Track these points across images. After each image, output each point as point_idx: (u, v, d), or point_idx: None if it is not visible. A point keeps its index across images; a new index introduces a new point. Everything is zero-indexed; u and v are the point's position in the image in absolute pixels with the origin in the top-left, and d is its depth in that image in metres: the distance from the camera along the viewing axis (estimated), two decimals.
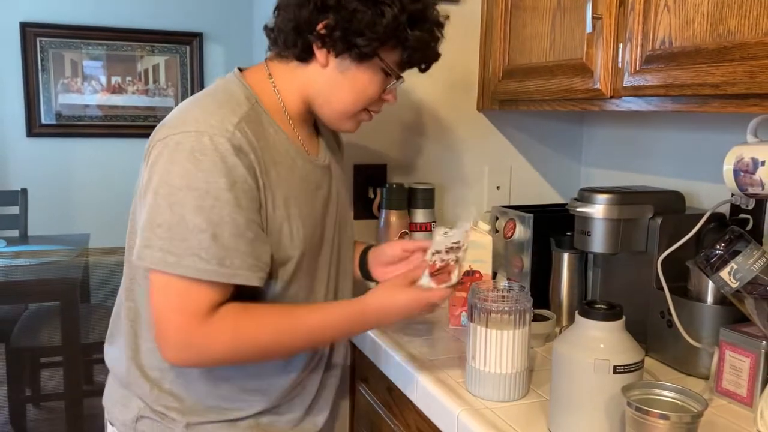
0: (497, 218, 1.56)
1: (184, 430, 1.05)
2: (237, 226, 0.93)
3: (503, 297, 1.08)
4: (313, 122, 1.16)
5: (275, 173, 1.01)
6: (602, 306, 0.95)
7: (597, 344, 0.92)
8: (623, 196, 1.26)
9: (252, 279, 0.95)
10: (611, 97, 1.19)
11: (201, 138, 0.92)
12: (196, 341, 0.94)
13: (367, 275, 1.27)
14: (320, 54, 1.02)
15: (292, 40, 1.03)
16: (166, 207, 0.91)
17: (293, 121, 1.08)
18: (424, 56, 1.07)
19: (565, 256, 1.44)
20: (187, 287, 0.92)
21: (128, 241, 1.05)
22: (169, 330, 0.93)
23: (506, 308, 1.06)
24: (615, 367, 0.90)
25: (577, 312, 0.96)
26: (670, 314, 1.16)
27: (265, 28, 1.09)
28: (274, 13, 1.06)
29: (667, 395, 0.87)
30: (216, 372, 1.05)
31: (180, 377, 1.04)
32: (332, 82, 1.05)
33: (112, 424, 1.12)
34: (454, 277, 1.03)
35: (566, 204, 1.32)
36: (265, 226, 0.99)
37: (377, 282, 1.24)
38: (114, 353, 1.12)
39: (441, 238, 1.07)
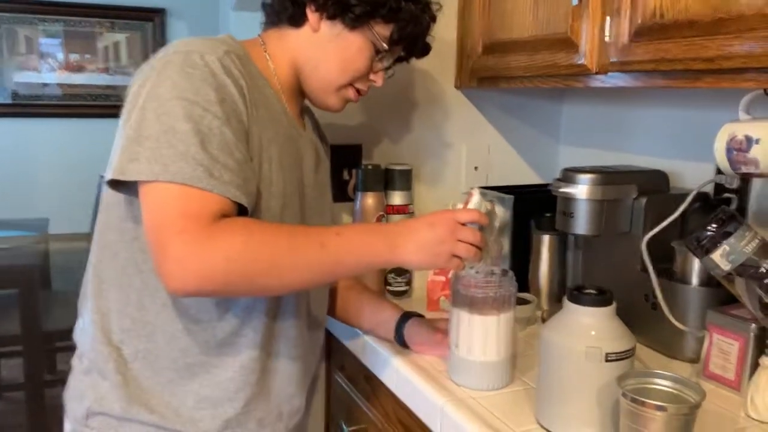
0: None
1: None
2: (226, 141, 0.89)
3: (487, 282, 1.04)
4: (301, 105, 1.14)
5: (263, 111, 0.98)
6: (592, 291, 0.91)
7: (588, 331, 0.89)
8: (607, 176, 1.23)
9: (242, 198, 0.89)
10: (597, 73, 1.14)
11: (191, 55, 0.91)
12: (202, 244, 0.83)
13: (404, 344, 1.20)
14: (313, 18, 1.03)
15: (286, 4, 1.04)
16: (154, 119, 0.87)
17: (283, 91, 1.07)
18: (414, 34, 1.08)
19: (546, 238, 1.41)
20: (182, 192, 0.85)
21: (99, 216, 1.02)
22: (171, 238, 0.83)
23: (490, 294, 1.03)
24: (607, 354, 0.86)
25: (565, 297, 0.93)
26: (655, 297, 1.13)
27: (263, 4, 1.10)
28: None
29: (662, 384, 0.84)
30: (181, 342, 0.98)
31: (142, 337, 0.98)
32: (322, 48, 1.05)
33: (68, 420, 1.05)
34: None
35: (546, 184, 1.28)
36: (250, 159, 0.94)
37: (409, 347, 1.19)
38: (80, 324, 1.07)
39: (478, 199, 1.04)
